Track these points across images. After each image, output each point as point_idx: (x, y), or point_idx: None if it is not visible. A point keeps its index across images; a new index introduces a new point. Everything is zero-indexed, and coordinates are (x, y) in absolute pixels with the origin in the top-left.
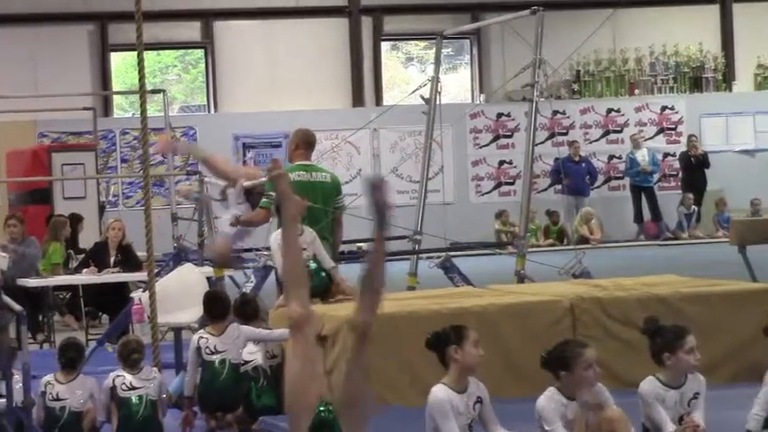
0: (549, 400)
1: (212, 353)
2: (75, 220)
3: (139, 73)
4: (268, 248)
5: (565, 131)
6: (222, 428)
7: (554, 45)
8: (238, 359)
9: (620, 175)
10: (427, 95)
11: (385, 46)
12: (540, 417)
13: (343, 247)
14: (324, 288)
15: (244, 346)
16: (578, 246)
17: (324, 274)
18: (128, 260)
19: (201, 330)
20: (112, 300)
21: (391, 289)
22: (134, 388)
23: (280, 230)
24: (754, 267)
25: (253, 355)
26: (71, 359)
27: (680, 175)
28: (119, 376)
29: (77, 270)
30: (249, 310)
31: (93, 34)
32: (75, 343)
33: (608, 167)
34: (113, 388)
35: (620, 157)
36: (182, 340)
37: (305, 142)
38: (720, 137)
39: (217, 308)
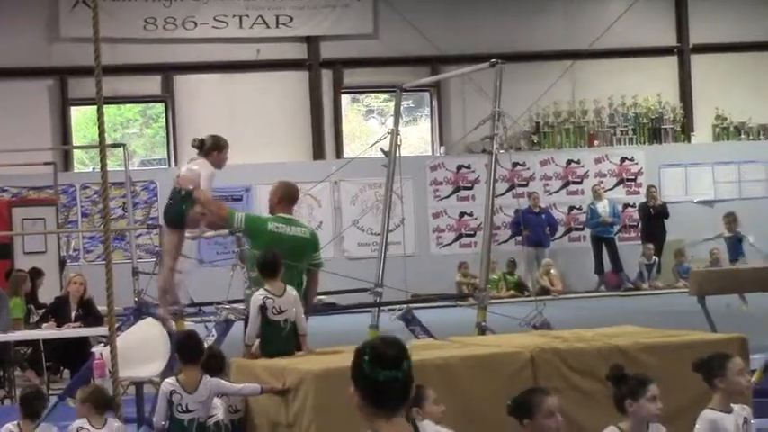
0: None
1: (184, 411)
2: (35, 274)
3: (99, 128)
4: (230, 302)
5: (525, 183)
6: None
7: (514, 97)
8: (206, 416)
9: (581, 226)
10: (387, 148)
11: (345, 99)
12: None
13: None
14: (289, 347)
15: (212, 401)
16: (539, 297)
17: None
18: (89, 315)
19: (174, 380)
20: (74, 354)
21: (353, 342)
22: None
23: (261, 291)
24: (714, 317)
25: (215, 409)
26: (36, 411)
27: (640, 225)
28: (83, 429)
29: (38, 325)
30: (216, 364)
31: (53, 89)
32: (37, 391)
33: (568, 218)
34: None
35: (580, 208)
36: (143, 394)
37: (289, 196)
38: (680, 188)
39: (192, 351)
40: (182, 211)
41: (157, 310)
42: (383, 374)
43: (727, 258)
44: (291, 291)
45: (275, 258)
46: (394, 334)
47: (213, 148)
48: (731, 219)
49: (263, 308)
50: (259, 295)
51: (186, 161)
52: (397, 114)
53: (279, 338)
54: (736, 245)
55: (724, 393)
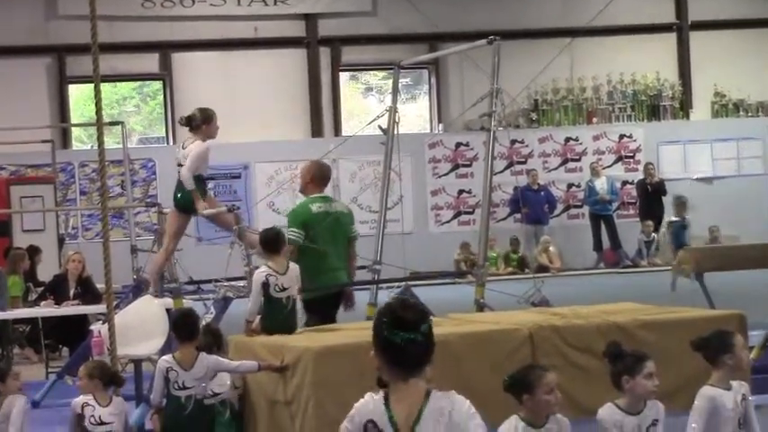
0: (511, 427)
1: (180, 388)
2: (34, 252)
3: (96, 105)
4: (228, 279)
5: (523, 160)
6: None
7: (512, 74)
8: (203, 393)
9: (579, 203)
10: (386, 125)
11: (343, 76)
12: None
13: None
14: (291, 324)
15: (211, 378)
16: (538, 274)
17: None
18: (87, 292)
19: (170, 357)
20: (72, 332)
21: (351, 319)
22: (103, 423)
23: (264, 268)
24: (712, 294)
25: (222, 387)
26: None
27: (638, 203)
28: (88, 405)
29: (36, 303)
30: (212, 341)
31: (50, 67)
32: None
33: (567, 196)
34: (81, 416)
35: (578, 186)
36: (142, 372)
37: (321, 175)
38: (678, 165)
39: (187, 329)
40: (184, 197)
41: (150, 290)
42: (401, 336)
43: (671, 243)
44: (294, 268)
45: (278, 235)
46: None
47: (203, 122)
48: (680, 203)
49: (265, 285)
50: (261, 272)
51: (180, 145)
52: (395, 92)
53: (280, 316)
54: (680, 231)
55: (728, 370)
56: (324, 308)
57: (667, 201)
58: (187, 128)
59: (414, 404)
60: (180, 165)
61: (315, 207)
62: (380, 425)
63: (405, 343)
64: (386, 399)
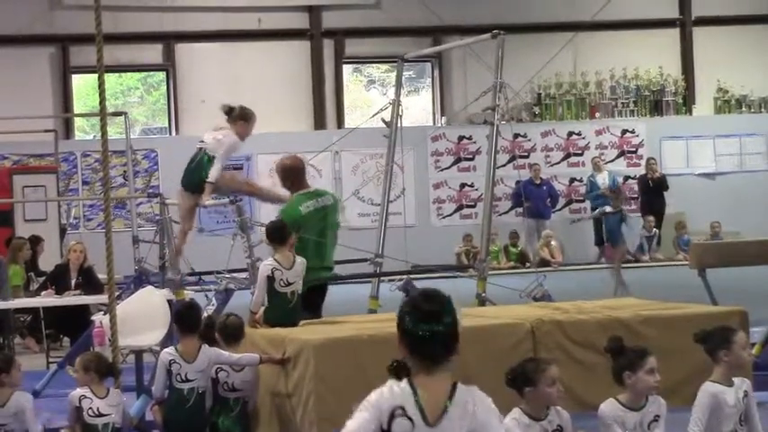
0: (514, 421)
1: (183, 381)
2: (35, 241)
3: (100, 95)
4: (230, 271)
5: (526, 154)
6: None
7: (515, 68)
8: (206, 386)
9: (581, 198)
10: (388, 118)
11: (347, 69)
12: None
13: None
14: (294, 318)
15: (239, 370)
16: (539, 268)
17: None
18: (89, 283)
19: (173, 350)
20: (74, 322)
21: (353, 312)
22: (102, 415)
23: (270, 261)
24: (714, 290)
25: (246, 383)
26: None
27: (639, 198)
28: (85, 398)
29: (38, 292)
30: (231, 333)
31: (54, 56)
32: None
33: (569, 190)
34: (79, 408)
35: (580, 180)
36: (143, 363)
37: (296, 173)
38: (681, 160)
39: (190, 321)
40: (202, 176)
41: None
42: (422, 328)
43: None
44: (301, 262)
45: (284, 227)
46: (394, 304)
47: (240, 117)
48: (614, 192)
49: (270, 279)
50: (267, 265)
51: (212, 128)
52: (398, 85)
53: (284, 309)
54: (616, 225)
55: (727, 366)
56: (309, 301)
57: (675, 194)
58: (225, 116)
59: (440, 396)
60: (201, 141)
61: (304, 208)
62: (410, 412)
63: (427, 335)
64: (412, 387)
